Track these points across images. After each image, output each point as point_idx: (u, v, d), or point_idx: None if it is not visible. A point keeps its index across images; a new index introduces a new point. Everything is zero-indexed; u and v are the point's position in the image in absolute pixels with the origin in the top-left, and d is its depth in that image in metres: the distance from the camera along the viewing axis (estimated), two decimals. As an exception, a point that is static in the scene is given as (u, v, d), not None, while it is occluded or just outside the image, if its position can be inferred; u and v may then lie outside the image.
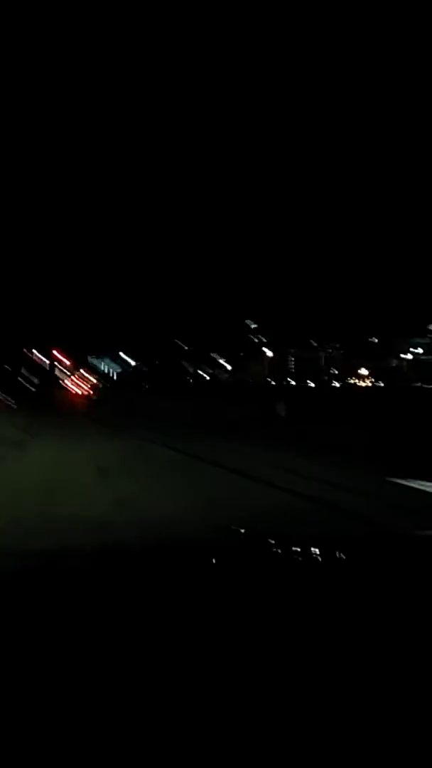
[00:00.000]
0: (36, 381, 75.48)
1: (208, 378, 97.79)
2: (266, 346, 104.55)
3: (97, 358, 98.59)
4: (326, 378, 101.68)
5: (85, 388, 75.67)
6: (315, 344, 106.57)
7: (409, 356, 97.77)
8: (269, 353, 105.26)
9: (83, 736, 0.87)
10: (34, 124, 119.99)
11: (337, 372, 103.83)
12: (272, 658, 1.06)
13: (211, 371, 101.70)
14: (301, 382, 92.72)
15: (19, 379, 72.41)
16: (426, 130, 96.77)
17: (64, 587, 1.38)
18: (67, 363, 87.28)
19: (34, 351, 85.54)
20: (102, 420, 25.31)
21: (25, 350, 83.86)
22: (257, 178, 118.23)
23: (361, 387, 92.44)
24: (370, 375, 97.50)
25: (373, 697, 0.96)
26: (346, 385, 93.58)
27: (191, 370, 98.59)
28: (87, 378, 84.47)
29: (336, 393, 62.48)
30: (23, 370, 78.76)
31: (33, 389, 65.80)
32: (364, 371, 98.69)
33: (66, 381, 79.59)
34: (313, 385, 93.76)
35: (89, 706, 0.93)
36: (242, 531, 1.92)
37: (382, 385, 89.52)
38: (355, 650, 1.08)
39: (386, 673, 1.02)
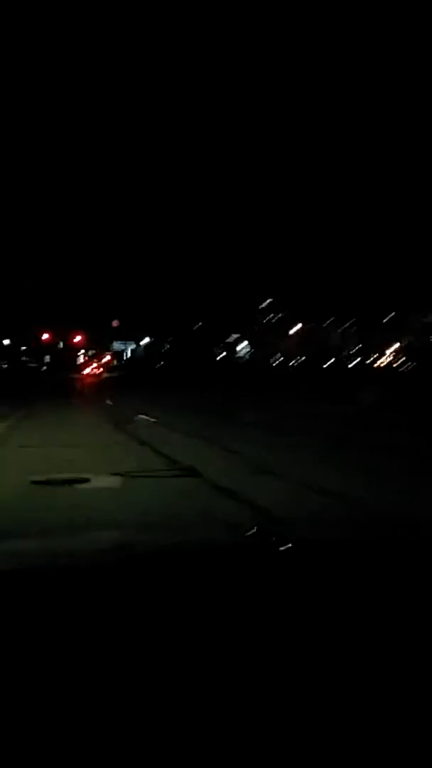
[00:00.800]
0: (48, 361, 76.94)
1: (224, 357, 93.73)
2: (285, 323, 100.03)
3: (123, 343, 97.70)
4: (346, 355, 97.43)
5: (97, 369, 75.63)
6: (333, 320, 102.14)
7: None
8: (300, 326, 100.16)
9: (82, 738, 0.87)
10: (44, 102, 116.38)
11: (360, 347, 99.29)
12: (276, 664, 1.04)
13: (231, 354, 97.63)
14: (319, 361, 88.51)
15: (31, 365, 71.18)
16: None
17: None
18: (87, 348, 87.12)
19: (57, 340, 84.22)
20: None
21: (43, 335, 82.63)
22: (270, 157, 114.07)
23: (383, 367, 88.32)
24: (400, 352, 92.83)
25: (378, 700, 0.95)
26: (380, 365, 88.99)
27: (213, 350, 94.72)
28: (104, 360, 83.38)
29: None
30: (46, 358, 79.27)
31: (43, 368, 69.27)
32: (393, 347, 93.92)
33: (85, 366, 78.57)
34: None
35: (89, 709, 0.92)
36: (251, 533, 1.81)
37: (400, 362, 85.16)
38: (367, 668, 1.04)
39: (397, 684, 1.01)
